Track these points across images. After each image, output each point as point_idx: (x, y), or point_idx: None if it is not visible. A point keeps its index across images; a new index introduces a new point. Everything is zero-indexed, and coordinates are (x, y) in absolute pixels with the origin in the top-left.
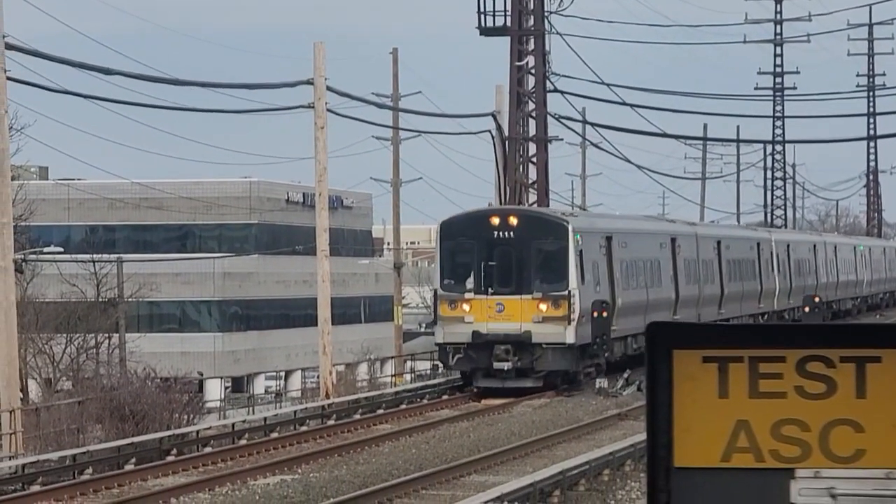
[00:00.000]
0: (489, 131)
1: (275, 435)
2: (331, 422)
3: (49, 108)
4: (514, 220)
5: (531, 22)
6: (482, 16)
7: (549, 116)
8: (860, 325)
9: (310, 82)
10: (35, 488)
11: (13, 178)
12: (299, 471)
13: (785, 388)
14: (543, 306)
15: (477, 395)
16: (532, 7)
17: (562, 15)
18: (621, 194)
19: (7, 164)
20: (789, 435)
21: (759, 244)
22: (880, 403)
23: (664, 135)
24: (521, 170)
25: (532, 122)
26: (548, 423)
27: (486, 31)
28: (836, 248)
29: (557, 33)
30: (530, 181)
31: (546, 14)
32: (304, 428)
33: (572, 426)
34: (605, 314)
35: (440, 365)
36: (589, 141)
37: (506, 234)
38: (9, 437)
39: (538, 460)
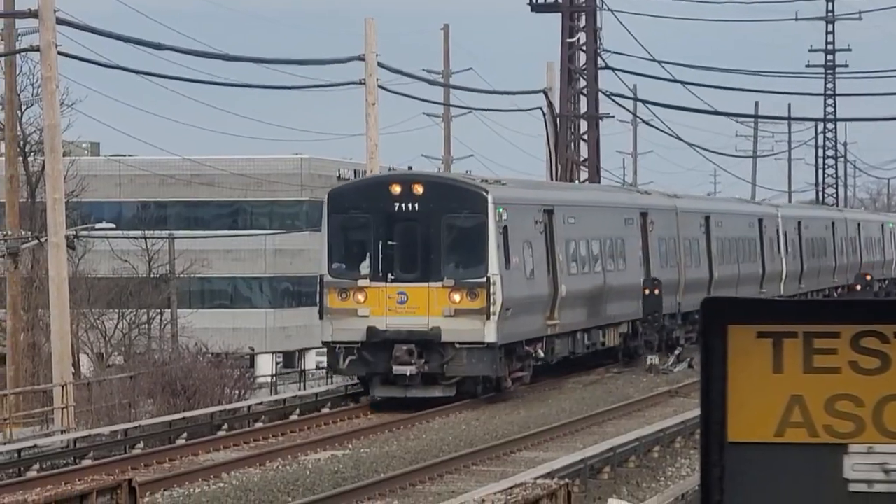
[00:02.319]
0: (540, 108)
1: (325, 410)
2: None
3: (100, 83)
4: (420, 189)
5: None
6: None
7: (600, 93)
8: None
9: (361, 58)
10: (86, 462)
11: (65, 154)
12: (350, 446)
13: (839, 363)
14: (457, 296)
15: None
16: None
17: None
18: (673, 172)
19: (59, 140)
20: (843, 410)
21: (761, 221)
22: None
23: (715, 112)
24: (572, 147)
25: (583, 99)
26: (598, 400)
27: (537, 8)
28: (859, 225)
29: (609, 10)
30: (581, 158)
31: None
32: (354, 403)
33: (622, 403)
34: (657, 292)
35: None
36: (640, 118)
37: (410, 206)
38: (61, 412)
39: (588, 437)
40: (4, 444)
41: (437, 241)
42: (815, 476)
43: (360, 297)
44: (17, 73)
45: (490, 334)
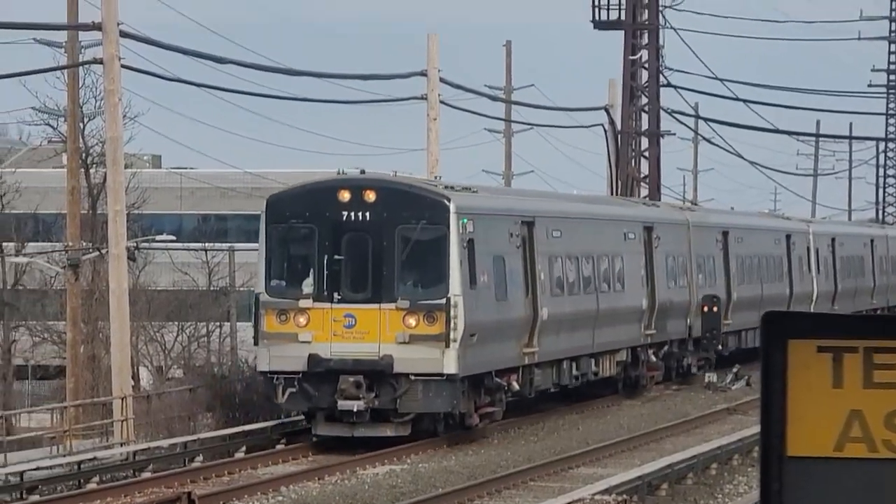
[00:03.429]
0: (602, 125)
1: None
2: None
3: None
4: (372, 196)
5: (645, 16)
6: (597, 9)
7: (661, 111)
8: None
9: (423, 74)
10: (146, 475)
11: (126, 167)
12: (408, 461)
13: None
14: (412, 320)
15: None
16: (646, 1)
17: (676, 9)
18: (733, 190)
19: (120, 153)
20: None
21: (789, 237)
22: None
23: (776, 130)
24: (633, 164)
25: (645, 117)
26: (656, 417)
27: (600, 25)
28: None
29: (671, 28)
30: (642, 175)
31: (660, 8)
32: None
33: (680, 420)
34: (715, 309)
35: None
36: (701, 136)
37: (360, 215)
38: (120, 424)
39: (646, 454)
40: (64, 456)
41: (391, 255)
42: (875, 491)
43: (302, 320)
44: (80, 85)
45: (450, 364)
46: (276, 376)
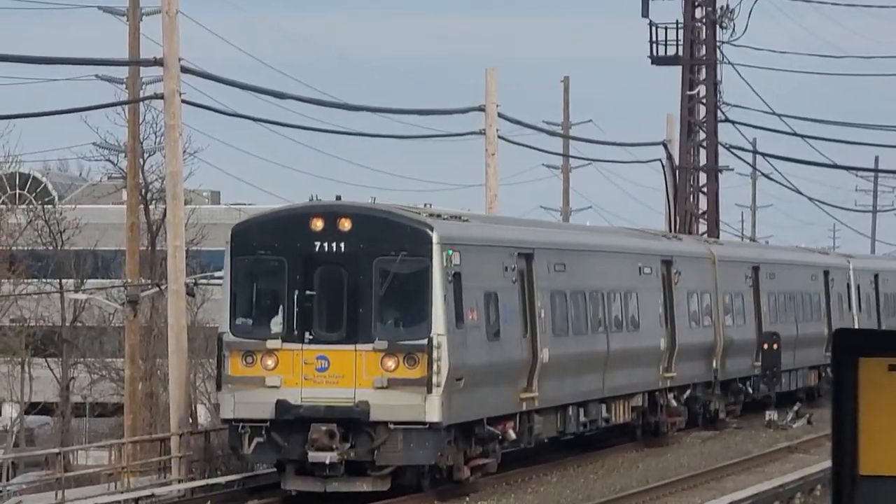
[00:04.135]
0: (660, 160)
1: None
2: None
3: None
4: (347, 225)
5: (703, 51)
6: (654, 45)
7: (719, 146)
8: None
9: (481, 109)
10: None
11: (186, 203)
12: (466, 499)
13: None
14: (391, 363)
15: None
16: (704, 37)
17: (733, 45)
18: (792, 226)
19: (180, 188)
20: None
21: (827, 273)
22: None
23: (835, 166)
24: (691, 199)
25: (703, 152)
26: (717, 455)
27: (657, 61)
28: None
29: (729, 63)
30: (700, 211)
31: (718, 44)
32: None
33: (741, 458)
34: (775, 346)
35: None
36: (759, 171)
37: (335, 246)
38: (178, 461)
39: (707, 492)
40: (122, 492)
41: (368, 291)
42: None
43: (270, 363)
44: (140, 121)
45: (433, 411)
46: (241, 425)
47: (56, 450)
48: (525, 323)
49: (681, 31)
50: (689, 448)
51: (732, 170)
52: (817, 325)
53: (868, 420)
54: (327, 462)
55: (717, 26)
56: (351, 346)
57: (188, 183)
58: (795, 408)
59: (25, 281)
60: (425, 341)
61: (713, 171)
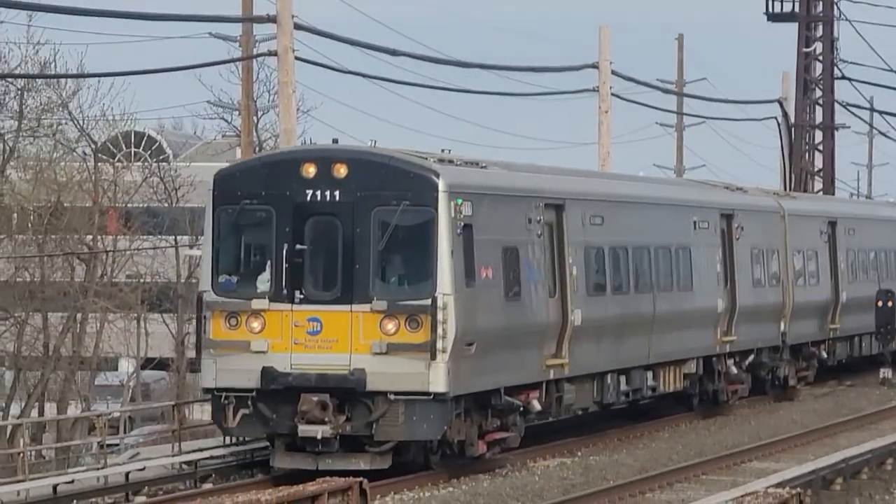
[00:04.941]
0: (775, 118)
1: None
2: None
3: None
4: (343, 171)
5: (819, 8)
6: (770, 1)
7: (836, 104)
8: None
9: (594, 66)
10: None
11: None
12: (579, 453)
13: None
14: (391, 326)
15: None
16: None
17: (851, 1)
18: None
19: (294, 146)
20: None
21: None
22: None
23: None
24: (806, 157)
25: (819, 110)
26: (829, 413)
27: (773, 17)
28: None
29: (846, 19)
30: (816, 169)
31: (835, 0)
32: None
33: (855, 415)
34: (890, 304)
35: None
36: (877, 129)
37: (329, 194)
38: None
39: (819, 448)
40: (237, 445)
41: (366, 245)
42: None
43: (256, 325)
44: (254, 79)
45: (438, 380)
46: (224, 395)
47: (171, 403)
48: (554, 282)
49: None
50: (800, 405)
51: (849, 128)
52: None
53: None
54: (319, 437)
55: None
56: (346, 307)
57: (301, 141)
58: None
59: (141, 238)
60: (429, 301)
61: (829, 128)
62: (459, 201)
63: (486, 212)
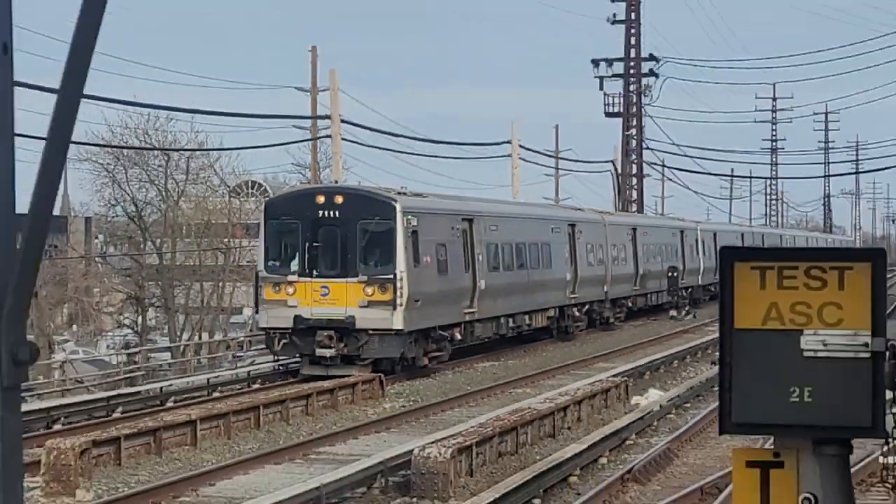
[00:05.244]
0: (609, 171)
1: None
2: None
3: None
4: (339, 199)
5: (634, 109)
6: (606, 106)
7: (644, 163)
8: (844, 249)
9: (508, 142)
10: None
11: None
12: (501, 359)
13: (797, 283)
14: (369, 290)
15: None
16: (635, 100)
17: (651, 106)
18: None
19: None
20: (800, 310)
21: (682, 232)
22: (853, 292)
23: (709, 173)
24: (627, 193)
25: (634, 166)
26: (641, 335)
27: (609, 115)
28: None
29: (649, 116)
30: (633, 199)
31: (643, 105)
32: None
33: (656, 336)
34: (674, 275)
35: None
36: (668, 178)
37: (331, 213)
38: None
39: (636, 355)
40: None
41: (354, 243)
42: (784, 349)
43: (290, 290)
44: (318, 149)
45: (398, 322)
46: (272, 331)
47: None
48: (467, 263)
49: (621, 98)
50: (628, 330)
51: (650, 176)
52: (677, 263)
53: (739, 297)
54: (328, 356)
55: (642, 95)
56: (343, 280)
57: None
58: (687, 308)
59: (253, 241)
60: (392, 276)
61: (640, 177)
62: (409, 217)
63: (425, 223)
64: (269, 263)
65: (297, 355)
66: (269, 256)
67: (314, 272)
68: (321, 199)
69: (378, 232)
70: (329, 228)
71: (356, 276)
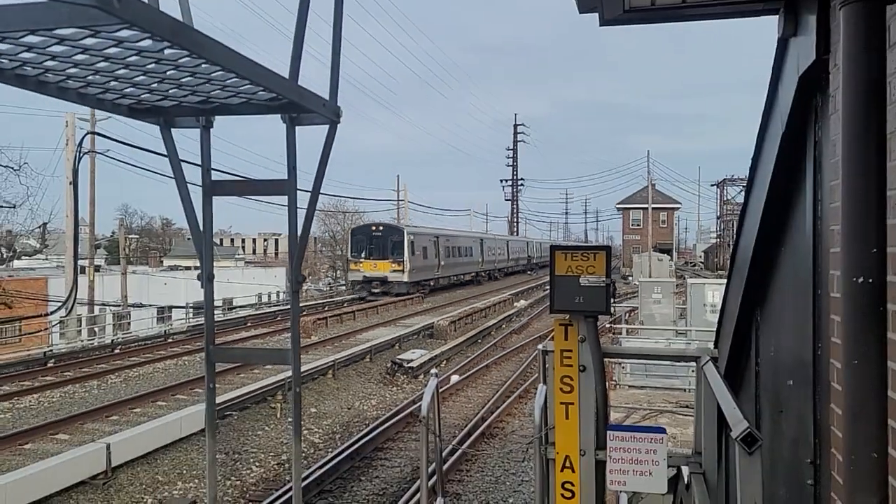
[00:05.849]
0: (506, 218)
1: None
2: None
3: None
4: (381, 228)
5: (521, 181)
6: (503, 188)
7: (519, 217)
8: (596, 245)
9: (402, 200)
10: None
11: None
12: (423, 303)
13: (578, 258)
14: (393, 266)
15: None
16: (513, 193)
17: (528, 179)
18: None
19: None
20: (579, 268)
21: (482, 240)
22: (598, 261)
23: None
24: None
25: (518, 222)
26: (515, 281)
27: (503, 181)
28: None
29: (523, 185)
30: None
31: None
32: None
33: (520, 282)
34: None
35: None
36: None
37: (378, 232)
38: None
39: (511, 289)
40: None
41: (387, 245)
42: (574, 281)
43: (361, 265)
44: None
45: (405, 277)
46: (353, 281)
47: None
48: (436, 255)
49: (508, 190)
50: (508, 279)
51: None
52: (474, 261)
53: (556, 262)
54: (376, 292)
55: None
56: (383, 261)
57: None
58: (497, 276)
59: None
60: (402, 260)
61: (515, 223)
62: (412, 236)
63: (419, 238)
64: (353, 254)
65: (365, 293)
66: (352, 250)
67: (370, 257)
68: (373, 228)
69: (396, 241)
70: (377, 238)
71: (388, 259)
